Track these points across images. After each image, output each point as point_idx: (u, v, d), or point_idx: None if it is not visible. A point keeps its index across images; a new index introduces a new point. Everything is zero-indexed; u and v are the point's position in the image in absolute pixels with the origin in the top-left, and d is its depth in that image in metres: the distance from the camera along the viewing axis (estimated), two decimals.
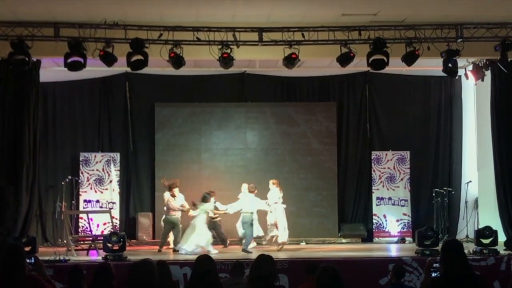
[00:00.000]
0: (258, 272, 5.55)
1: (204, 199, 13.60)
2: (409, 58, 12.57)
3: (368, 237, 16.03)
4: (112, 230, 13.48)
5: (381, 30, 12.59)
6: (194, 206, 13.69)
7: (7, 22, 12.27)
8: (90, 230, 14.72)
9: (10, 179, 13.48)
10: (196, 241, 13.17)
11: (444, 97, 16.90)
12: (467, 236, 15.34)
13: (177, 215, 14.03)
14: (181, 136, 16.28)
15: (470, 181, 15.95)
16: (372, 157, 16.36)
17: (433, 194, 15.97)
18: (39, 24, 12.28)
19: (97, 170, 15.69)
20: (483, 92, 15.05)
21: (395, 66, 13.64)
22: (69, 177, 15.32)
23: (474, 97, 16.10)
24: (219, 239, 14.27)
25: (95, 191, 15.67)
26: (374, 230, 16.12)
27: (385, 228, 16.11)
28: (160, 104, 16.33)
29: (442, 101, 16.89)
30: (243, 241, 13.72)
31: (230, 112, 16.47)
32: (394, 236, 15.98)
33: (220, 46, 12.28)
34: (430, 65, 14.66)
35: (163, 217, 14.28)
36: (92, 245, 13.25)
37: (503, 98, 14.38)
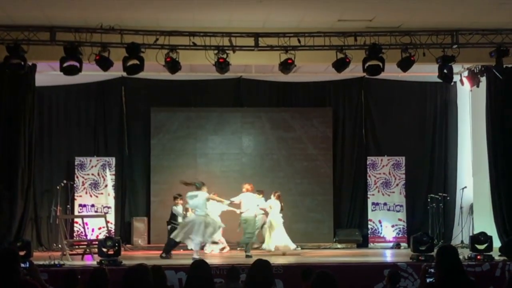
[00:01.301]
0: (255, 277, 5.55)
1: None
2: (405, 64, 12.60)
3: (363, 243, 16.04)
4: (107, 235, 13.47)
5: (377, 36, 12.62)
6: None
7: (3, 26, 12.25)
8: (85, 235, 14.69)
9: (5, 184, 13.45)
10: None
11: (440, 103, 16.94)
12: (462, 241, 15.34)
13: None
14: (177, 140, 16.28)
15: (465, 187, 15.98)
16: (368, 162, 16.37)
17: (428, 200, 15.98)
18: (35, 28, 12.27)
19: (92, 174, 15.66)
20: (478, 98, 15.09)
21: (391, 72, 13.68)
22: (64, 181, 15.27)
23: (470, 103, 16.14)
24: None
25: (90, 196, 15.63)
26: (369, 236, 16.13)
27: (380, 233, 16.12)
28: (156, 108, 16.33)
29: (437, 107, 16.94)
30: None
31: (226, 117, 16.49)
32: (389, 242, 15.99)
33: (216, 51, 12.29)
34: (425, 71, 14.68)
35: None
36: (87, 250, 13.22)
37: (498, 104, 14.42)
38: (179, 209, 14.11)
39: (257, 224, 13.95)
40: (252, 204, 13.73)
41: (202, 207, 12.98)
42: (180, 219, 13.98)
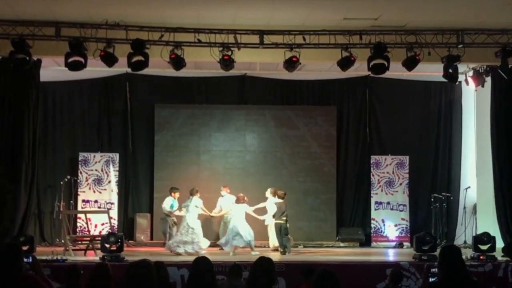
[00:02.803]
0: (257, 275, 5.54)
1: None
2: (410, 63, 12.57)
3: (366, 242, 16.03)
4: (110, 231, 13.48)
5: (382, 35, 12.59)
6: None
7: (9, 21, 12.27)
8: (88, 230, 14.69)
9: (9, 178, 13.46)
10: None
11: (444, 102, 16.91)
12: (465, 242, 15.34)
13: None
14: (181, 137, 16.29)
15: (469, 187, 15.96)
16: (371, 161, 16.36)
17: (432, 199, 15.97)
18: (40, 23, 12.28)
19: (96, 170, 15.68)
20: (483, 98, 15.06)
21: (396, 71, 13.64)
22: (68, 177, 15.30)
23: (474, 103, 16.11)
24: None
25: (94, 191, 15.65)
26: (372, 235, 16.12)
27: (383, 232, 16.10)
28: (160, 105, 16.33)
29: (442, 107, 16.91)
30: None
31: (230, 114, 16.48)
32: (392, 241, 15.97)
33: (221, 48, 12.28)
34: (430, 70, 14.67)
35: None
36: (90, 245, 13.24)
37: (503, 104, 14.39)
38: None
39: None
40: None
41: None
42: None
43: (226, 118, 16.45)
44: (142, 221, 15.80)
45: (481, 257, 11.88)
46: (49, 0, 11.59)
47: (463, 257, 5.71)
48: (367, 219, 16.38)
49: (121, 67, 13.31)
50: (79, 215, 15.27)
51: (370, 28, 12.74)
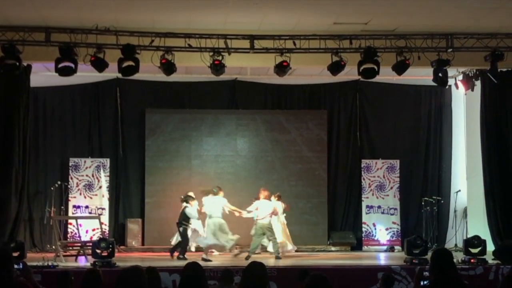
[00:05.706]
0: (249, 280, 5.55)
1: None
2: (400, 67, 12.62)
3: (357, 245, 16.05)
4: (101, 236, 13.43)
5: (372, 39, 12.64)
6: None
7: None
8: (79, 236, 14.65)
9: None
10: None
11: (434, 106, 16.98)
12: (456, 245, 15.37)
13: None
14: (172, 142, 16.27)
15: (459, 190, 16.02)
16: (362, 165, 16.38)
17: (423, 203, 16.02)
18: (30, 29, 12.25)
19: (86, 175, 15.63)
20: (472, 102, 15.13)
21: (386, 75, 13.70)
22: (59, 182, 15.24)
23: (464, 106, 16.19)
24: None
25: (85, 197, 15.60)
26: (363, 239, 16.14)
27: (375, 236, 16.13)
28: (150, 110, 16.31)
29: (432, 111, 16.98)
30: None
31: (221, 119, 16.48)
32: (383, 245, 16.00)
33: (211, 53, 12.29)
34: (420, 75, 14.72)
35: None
36: (81, 251, 13.18)
37: (493, 108, 14.46)
38: (192, 210, 13.67)
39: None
40: (267, 211, 13.75)
41: (218, 213, 13.36)
42: (193, 221, 13.71)
43: (217, 122, 16.45)
44: (133, 226, 15.75)
45: (472, 261, 11.90)
46: (39, 6, 11.56)
47: (454, 260, 5.72)
48: (358, 223, 16.40)
49: (111, 73, 13.29)
50: (70, 220, 15.21)
51: (360, 33, 12.78)
